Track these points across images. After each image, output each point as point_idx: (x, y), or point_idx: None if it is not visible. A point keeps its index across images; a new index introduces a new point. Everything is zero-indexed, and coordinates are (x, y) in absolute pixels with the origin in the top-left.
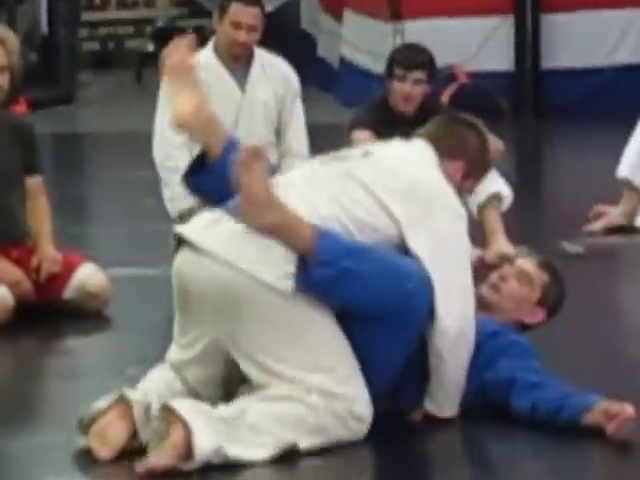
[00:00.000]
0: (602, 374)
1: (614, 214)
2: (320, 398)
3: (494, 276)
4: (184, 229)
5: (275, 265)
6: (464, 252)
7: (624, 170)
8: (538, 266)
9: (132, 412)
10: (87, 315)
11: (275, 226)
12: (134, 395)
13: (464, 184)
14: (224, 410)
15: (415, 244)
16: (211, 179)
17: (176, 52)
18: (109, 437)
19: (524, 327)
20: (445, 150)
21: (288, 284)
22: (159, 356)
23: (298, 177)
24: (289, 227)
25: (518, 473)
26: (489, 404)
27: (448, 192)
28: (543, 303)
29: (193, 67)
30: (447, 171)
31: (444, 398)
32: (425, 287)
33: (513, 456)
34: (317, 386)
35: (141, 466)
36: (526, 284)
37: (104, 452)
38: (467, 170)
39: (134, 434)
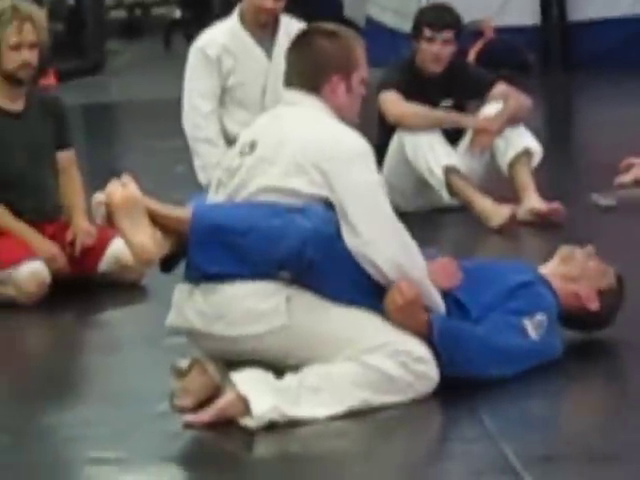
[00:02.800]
0: (635, 327)
1: None
2: (379, 357)
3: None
4: (173, 320)
5: (262, 312)
6: (380, 196)
7: None
8: (615, 273)
9: (208, 369)
10: (123, 287)
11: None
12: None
13: (353, 92)
14: (285, 380)
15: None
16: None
17: (117, 190)
18: (192, 391)
19: (579, 319)
20: (314, 81)
21: (281, 318)
22: None
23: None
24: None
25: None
26: None
27: (342, 141)
28: (601, 296)
29: (138, 200)
30: (329, 97)
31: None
32: (308, 236)
33: None
34: (372, 351)
35: (187, 417)
36: (600, 271)
37: (186, 401)
38: (344, 76)
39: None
